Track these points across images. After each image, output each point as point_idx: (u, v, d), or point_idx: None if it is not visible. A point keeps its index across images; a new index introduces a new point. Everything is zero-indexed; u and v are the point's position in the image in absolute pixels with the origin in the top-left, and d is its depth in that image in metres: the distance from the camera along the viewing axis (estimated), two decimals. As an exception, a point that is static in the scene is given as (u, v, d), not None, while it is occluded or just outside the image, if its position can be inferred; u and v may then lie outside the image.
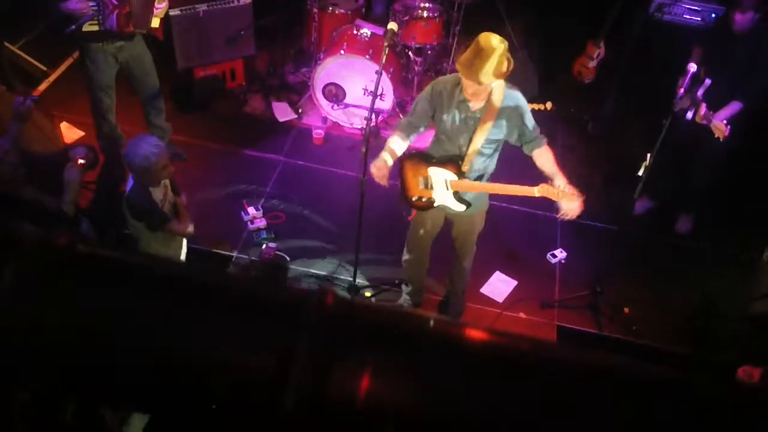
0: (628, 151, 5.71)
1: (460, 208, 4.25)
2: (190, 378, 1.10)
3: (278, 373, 1.04)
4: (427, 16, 6.47)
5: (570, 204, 3.99)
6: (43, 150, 4.79)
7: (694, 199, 5.90)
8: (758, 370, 3.61)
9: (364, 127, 4.49)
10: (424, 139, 4.42)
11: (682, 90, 4.76)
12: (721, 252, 5.80)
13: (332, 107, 6.48)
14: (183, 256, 4.44)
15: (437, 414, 1.05)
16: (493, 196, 4.39)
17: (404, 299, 5.09)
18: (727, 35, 5.08)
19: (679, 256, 5.80)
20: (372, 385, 1.06)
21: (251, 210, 5.64)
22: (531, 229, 5.81)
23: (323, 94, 6.42)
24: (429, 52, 6.71)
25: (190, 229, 4.12)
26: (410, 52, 6.58)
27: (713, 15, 6.29)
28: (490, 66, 3.65)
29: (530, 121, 4.01)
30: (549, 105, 4.75)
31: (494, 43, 3.65)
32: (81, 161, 4.34)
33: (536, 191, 3.99)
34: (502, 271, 5.50)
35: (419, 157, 4.23)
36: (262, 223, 5.58)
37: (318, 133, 6.43)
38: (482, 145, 3.99)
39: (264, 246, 5.42)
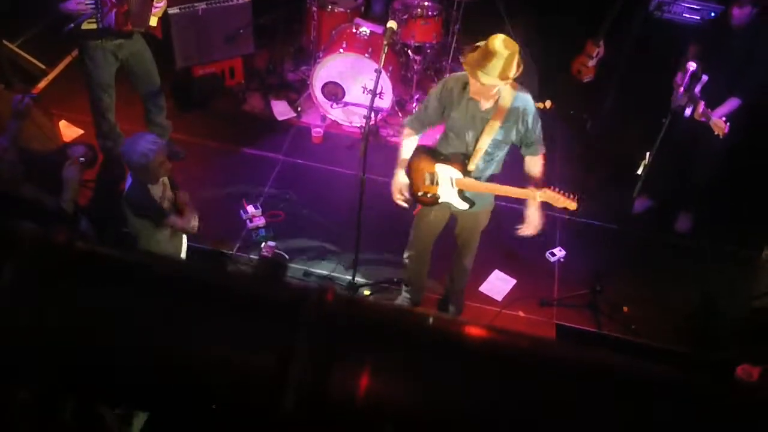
0: (627, 150, 5.71)
1: (464, 206, 4.27)
2: (189, 377, 1.09)
3: (278, 373, 1.04)
4: (427, 15, 6.47)
5: (534, 217, 4.15)
6: (42, 148, 4.79)
7: (693, 197, 5.90)
8: (757, 369, 3.62)
9: (364, 125, 4.50)
10: (429, 135, 4.43)
11: (681, 89, 4.76)
12: (720, 250, 5.80)
13: (331, 106, 6.47)
14: (183, 254, 4.44)
15: (437, 413, 1.05)
16: (496, 195, 4.40)
17: (403, 297, 5.10)
18: (725, 30, 5.07)
19: (678, 255, 5.80)
20: (371, 384, 1.06)
21: (250, 208, 5.63)
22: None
23: (322, 92, 6.42)
24: (428, 50, 6.70)
25: (194, 223, 4.08)
26: (409, 51, 6.58)
27: (712, 14, 6.29)
28: (494, 68, 3.65)
29: (536, 127, 4.02)
30: (548, 104, 4.77)
31: (501, 46, 3.65)
32: (80, 159, 4.34)
33: (538, 195, 4.04)
34: (501, 270, 5.50)
35: (427, 153, 4.24)
36: (261, 221, 5.58)
37: (317, 132, 6.43)
38: (489, 145, 4.00)
39: (263, 244, 5.41)
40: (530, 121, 3.97)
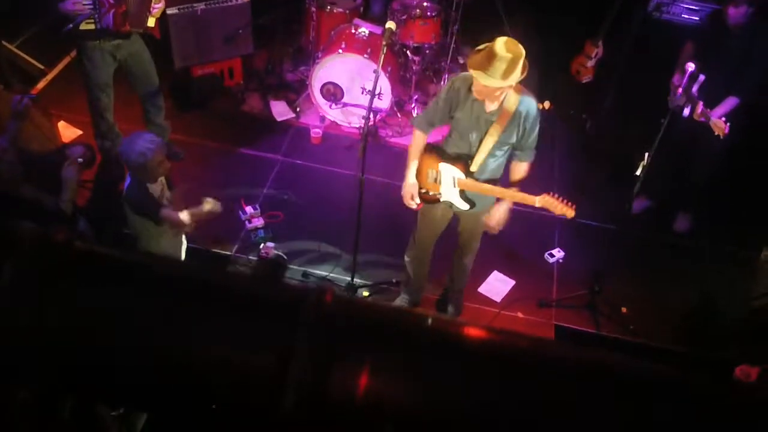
0: (626, 150, 5.71)
1: (464, 206, 4.28)
2: (189, 377, 1.09)
3: (278, 373, 1.04)
4: (425, 16, 6.47)
5: (500, 214, 4.20)
6: (40, 148, 4.79)
7: (692, 197, 5.90)
8: (755, 369, 3.62)
9: (362, 126, 4.50)
10: (436, 133, 4.44)
11: (680, 90, 4.76)
12: (719, 250, 5.80)
13: (330, 106, 6.47)
14: (183, 255, 4.44)
15: (437, 413, 1.05)
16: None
17: (403, 298, 5.10)
18: (721, 30, 5.07)
19: (676, 255, 5.81)
20: (371, 384, 1.06)
21: (249, 209, 5.63)
22: (529, 229, 5.81)
23: (321, 93, 6.42)
24: (427, 51, 6.70)
25: (185, 215, 3.98)
26: (408, 52, 6.58)
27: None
28: (497, 71, 3.66)
29: (533, 133, 4.04)
30: (547, 104, 4.77)
31: (505, 48, 3.65)
32: (79, 160, 4.34)
33: (537, 201, 4.08)
34: (500, 271, 5.50)
35: (433, 151, 4.26)
36: (259, 222, 5.58)
37: (316, 132, 6.43)
38: (493, 147, 4.01)
39: (262, 245, 5.41)
40: (530, 125, 3.98)
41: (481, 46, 3.77)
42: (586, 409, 1.00)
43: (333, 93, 6.38)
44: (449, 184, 4.21)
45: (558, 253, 5.68)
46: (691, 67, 4.58)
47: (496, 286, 5.41)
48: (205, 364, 1.09)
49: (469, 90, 3.92)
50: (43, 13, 6.06)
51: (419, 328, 1.15)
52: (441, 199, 4.30)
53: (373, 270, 5.34)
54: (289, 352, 1.05)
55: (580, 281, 5.38)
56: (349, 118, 6.53)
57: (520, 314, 5.25)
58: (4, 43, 6.55)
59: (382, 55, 4.23)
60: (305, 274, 5.28)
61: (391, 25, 4.37)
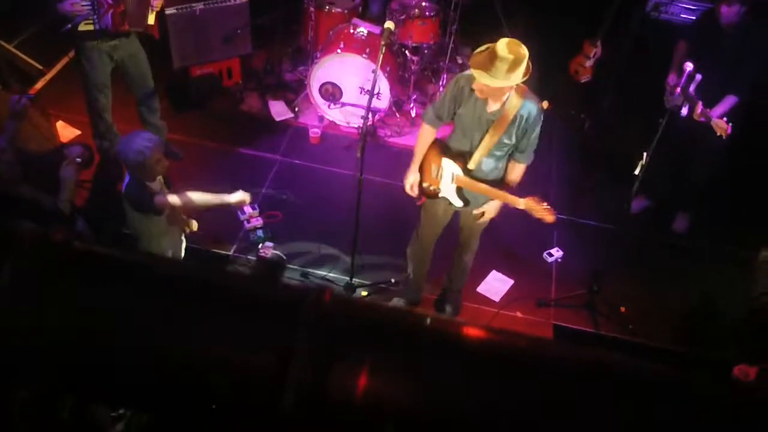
0: (624, 150, 5.70)
1: (459, 203, 4.31)
2: (189, 377, 1.09)
3: (277, 373, 1.04)
4: (424, 16, 6.47)
5: (493, 204, 4.24)
6: (39, 148, 4.79)
7: (691, 197, 5.90)
8: (754, 369, 3.62)
9: (361, 126, 4.50)
10: (445, 129, 4.46)
11: (678, 90, 4.76)
12: (718, 250, 5.81)
13: (329, 106, 6.47)
14: (182, 255, 4.43)
15: (436, 412, 1.05)
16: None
17: (403, 293, 5.10)
18: (715, 30, 5.07)
19: (675, 255, 5.81)
20: (370, 384, 1.06)
21: (248, 209, 5.63)
22: (527, 228, 5.78)
23: (320, 93, 6.42)
24: (426, 51, 6.70)
25: (173, 198, 3.95)
26: (407, 51, 6.58)
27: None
28: (498, 71, 3.67)
29: (533, 135, 4.05)
30: (545, 104, 4.75)
31: (507, 50, 3.67)
32: (77, 160, 4.34)
33: (522, 203, 4.11)
34: (498, 270, 5.50)
35: (440, 146, 4.29)
36: (258, 222, 5.58)
37: (314, 132, 6.43)
38: (493, 146, 4.03)
39: (261, 245, 5.41)
40: (530, 128, 3.99)
41: (484, 46, 3.79)
42: (586, 409, 1.00)
43: (332, 93, 6.38)
44: (448, 180, 4.24)
45: (557, 253, 5.68)
46: (689, 67, 4.58)
47: (495, 285, 5.41)
48: (205, 364, 1.09)
49: (473, 89, 3.93)
50: (41, 14, 6.05)
51: (418, 328, 1.15)
52: (439, 195, 4.32)
53: (371, 270, 5.34)
54: (289, 352, 1.05)
55: (579, 281, 5.38)
56: (348, 118, 6.53)
57: (518, 314, 5.25)
58: (2, 43, 6.54)
59: (381, 55, 4.23)
60: (304, 274, 5.28)
61: (389, 25, 4.37)
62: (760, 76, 5.06)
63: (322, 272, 5.32)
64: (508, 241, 5.61)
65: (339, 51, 6.10)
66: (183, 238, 4.41)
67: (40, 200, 4.25)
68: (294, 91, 6.92)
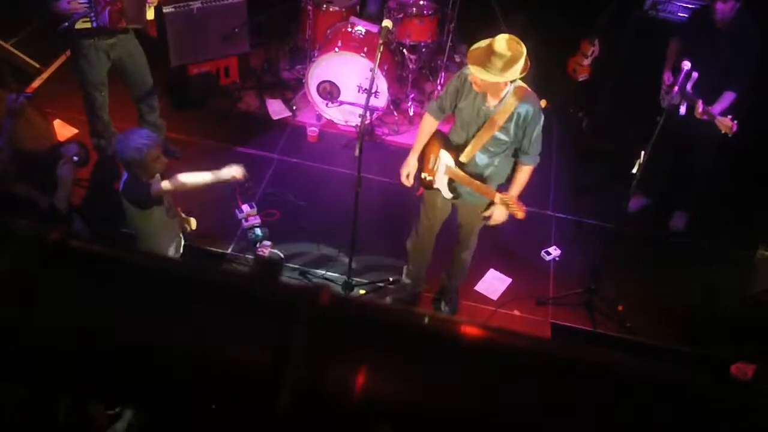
0: (622, 149, 5.72)
1: (448, 195, 4.36)
2: (185, 377, 1.09)
3: (273, 371, 1.04)
4: (422, 14, 6.46)
5: (501, 211, 4.25)
6: (35, 147, 4.78)
7: (688, 195, 5.91)
8: (752, 367, 3.63)
9: (359, 124, 4.50)
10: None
11: (676, 88, 4.76)
12: (716, 248, 5.81)
13: (327, 105, 6.46)
14: (180, 253, 4.42)
15: (435, 412, 1.05)
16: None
17: (403, 283, 5.11)
18: (708, 27, 5.08)
19: (673, 253, 5.81)
20: (368, 383, 1.06)
21: (245, 207, 5.63)
22: (525, 227, 5.80)
23: (318, 91, 6.41)
24: (423, 49, 6.70)
25: (166, 183, 3.93)
26: (405, 50, 6.58)
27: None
28: (493, 67, 3.71)
29: (535, 137, 4.07)
30: (543, 103, 4.76)
31: (504, 46, 3.71)
32: (74, 158, 4.33)
33: (497, 198, 4.17)
34: (496, 269, 5.50)
35: (441, 138, 4.33)
36: (256, 220, 5.57)
37: (312, 131, 6.43)
38: (487, 142, 4.05)
39: (258, 244, 5.41)
40: (529, 129, 4.01)
41: (483, 42, 3.81)
42: (586, 408, 1.00)
43: (329, 91, 6.37)
44: (442, 171, 4.28)
45: (554, 251, 5.68)
46: (687, 65, 4.58)
47: (493, 284, 5.41)
48: (201, 364, 1.08)
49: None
50: (38, 12, 6.03)
51: (416, 327, 1.14)
52: (434, 186, 4.36)
53: (369, 268, 5.34)
54: (285, 351, 1.04)
55: (577, 279, 5.39)
56: (346, 117, 6.53)
57: (516, 312, 5.25)
58: (-1, 41, 6.54)
59: (379, 54, 4.24)
60: (302, 273, 5.28)
61: (387, 23, 4.38)
62: (755, 70, 5.06)
63: (319, 271, 5.31)
64: (506, 240, 5.61)
65: (337, 49, 6.10)
66: (181, 235, 4.41)
67: (36, 199, 4.24)
68: (292, 90, 6.92)
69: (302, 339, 1.05)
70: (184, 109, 6.55)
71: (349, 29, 6.29)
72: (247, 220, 5.56)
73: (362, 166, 4.35)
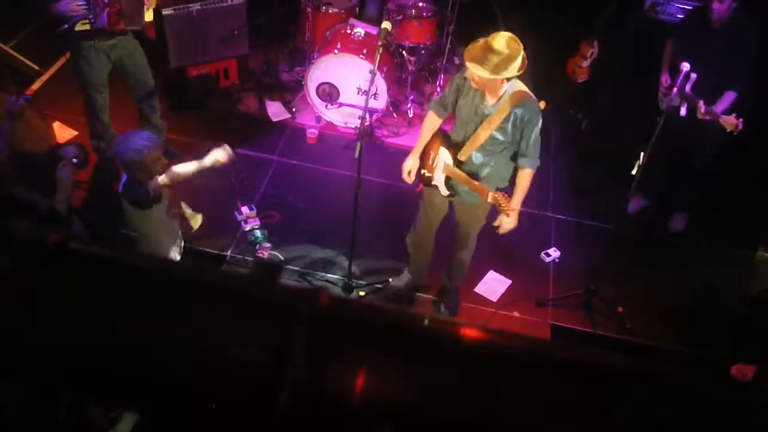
0: (622, 150, 5.71)
1: (445, 192, 4.36)
2: (185, 378, 1.09)
3: (273, 372, 1.04)
4: (421, 16, 6.47)
5: (508, 220, 4.25)
6: (34, 149, 4.78)
7: (688, 196, 5.90)
8: (752, 368, 3.62)
9: (358, 126, 4.50)
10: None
11: (675, 90, 4.76)
12: (716, 248, 5.81)
13: (326, 106, 6.47)
14: (180, 255, 4.42)
15: (435, 413, 1.05)
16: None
17: (404, 276, 5.11)
18: (705, 27, 5.08)
19: (673, 254, 5.81)
20: (368, 384, 1.06)
21: (245, 209, 5.63)
22: (525, 228, 5.80)
23: (317, 93, 6.42)
24: (423, 51, 6.70)
25: (164, 178, 3.89)
26: (404, 52, 6.58)
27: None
28: (489, 64, 3.74)
29: (532, 140, 4.07)
30: (543, 104, 4.77)
31: (502, 44, 3.74)
32: (73, 160, 4.33)
33: (489, 196, 4.15)
34: (496, 270, 5.50)
35: (442, 136, 4.35)
36: (255, 222, 5.57)
37: (312, 133, 6.43)
38: (485, 141, 4.06)
39: (258, 245, 5.40)
40: (527, 131, 4.02)
41: (481, 39, 3.82)
42: (586, 408, 1.00)
43: (329, 93, 6.37)
44: (440, 168, 4.29)
45: (554, 253, 5.68)
46: (686, 66, 4.58)
47: (492, 285, 5.41)
48: (201, 364, 1.08)
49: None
50: (38, 14, 6.03)
51: (416, 328, 1.14)
52: (432, 183, 4.38)
53: (369, 270, 5.34)
54: (285, 353, 1.04)
55: (577, 281, 5.38)
56: (345, 119, 6.53)
57: (516, 314, 5.25)
58: (-2, 43, 6.54)
59: (378, 56, 4.25)
60: (301, 275, 5.28)
61: (386, 25, 4.39)
62: (754, 70, 5.06)
63: (319, 273, 5.31)
64: (506, 242, 5.59)
65: (336, 51, 6.10)
66: (180, 234, 4.40)
67: (35, 201, 4.24)
68: (291, 92, 6.92)
69: (302, 339, 1.05)
70: (183, 111, 6.55)
71: (349, 31, 6.29)
72: (246, 222, 5.56)
73: (362, 168, 4.35)
